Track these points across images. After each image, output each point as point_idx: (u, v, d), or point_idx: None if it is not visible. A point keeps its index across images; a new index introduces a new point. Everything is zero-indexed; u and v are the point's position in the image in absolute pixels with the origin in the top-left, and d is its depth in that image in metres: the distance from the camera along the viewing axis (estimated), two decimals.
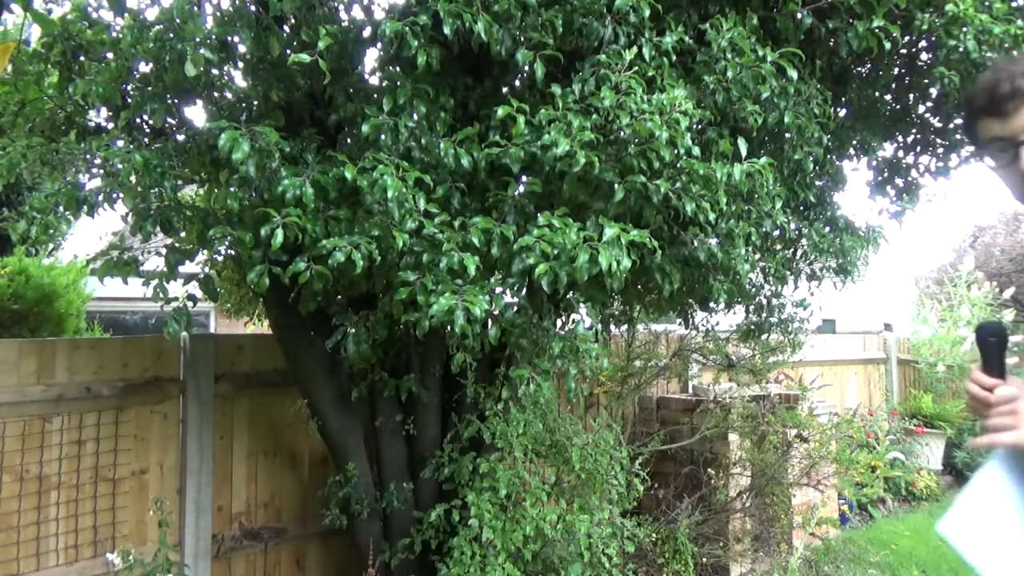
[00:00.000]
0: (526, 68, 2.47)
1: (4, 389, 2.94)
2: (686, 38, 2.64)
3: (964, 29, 2.97)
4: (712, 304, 3.50)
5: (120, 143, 2.64)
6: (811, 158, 3.08)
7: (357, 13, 2.87)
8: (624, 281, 2.17)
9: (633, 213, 2.45)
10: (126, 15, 2.68)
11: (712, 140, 2.67)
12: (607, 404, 4.75)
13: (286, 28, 2.68)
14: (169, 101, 2.66)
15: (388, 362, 3.39)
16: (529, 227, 2.23)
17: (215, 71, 2.68)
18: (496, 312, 2.24)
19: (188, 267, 2.62)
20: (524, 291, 2.58)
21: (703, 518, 4.36)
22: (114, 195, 2.46)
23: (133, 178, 2.36)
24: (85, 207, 2.43)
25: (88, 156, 2.64)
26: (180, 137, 2.85)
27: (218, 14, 2.61)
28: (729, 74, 2.58)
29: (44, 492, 3.05)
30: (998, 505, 1.03)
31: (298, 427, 3.67)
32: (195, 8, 2.40)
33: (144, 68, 2.65)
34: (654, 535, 4.14)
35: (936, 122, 4.06)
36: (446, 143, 2.40)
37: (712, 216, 2.41)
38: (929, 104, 3.97)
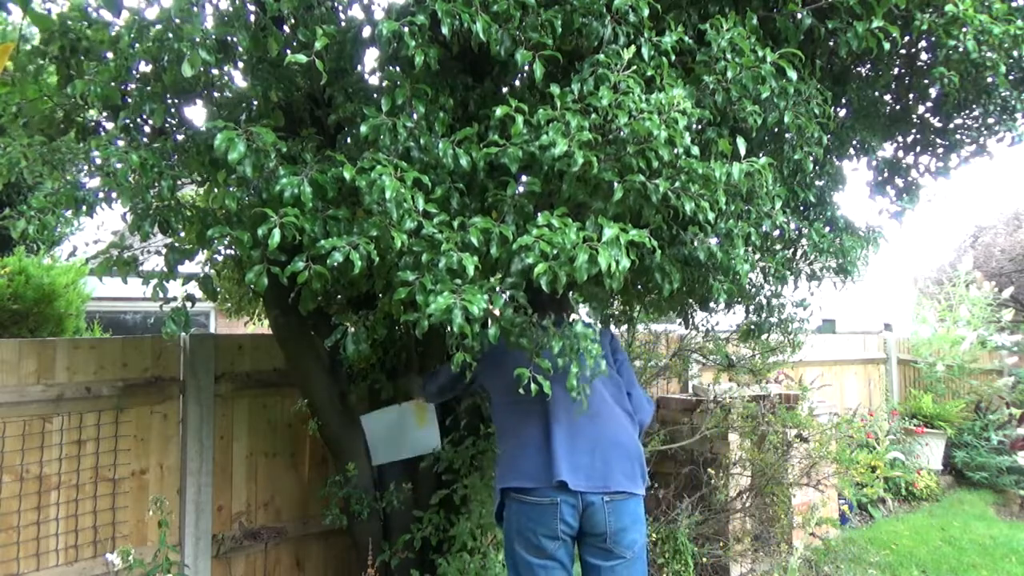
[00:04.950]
0: (525, 68, 2.47)
1: (4, 389, 2.94)
2: (686, 38, 2.63)
3: (964, 29, 2.96)
4: (712, 304, 3.49)
5: (120, 143, 2.64)
6: (811, 158, 3.07)
7: (357, 13, 2.86)
8: (623, 281, 2.16)
9: (632, 213, 2.44)
10: (126, 15, 2.67)
11: (711, 140, 2.67)
12: None
13: (286, 28, 2.68)
14: (168, 101, 2.66)
15: (388, 362, 3.39)
16: (528, 227, 2.23)
17: (214, 71, 2.68)
18: (496, 311, 2.24)
19: (188, 267, 2.62)
20: (523, 291, 2.58)
21: (703, 518, 4.36)
22: (112, 195, 2.46)
23: (131, 178, 2.35)
24: (84, 207, 2.43)
25: (88, 155, 2.63)
26: (179, 137, 2.85)
27: (217, 13, 2.61)
28: (729, 74, 2.57)
29: (44, 492, 3.05)
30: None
31: (298, 427, 3.67)
32: (194, 8, 2.40)
33: (143, 68, 2.65)
34: (654, 535, 4.14)
35: (936, 122, 4.05)
36: (445, 143, 2.40)
37: (711, 216, 2.41)
38: (929, 104, 3.96)
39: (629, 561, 2.48)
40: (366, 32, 2.67)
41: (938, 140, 4.07)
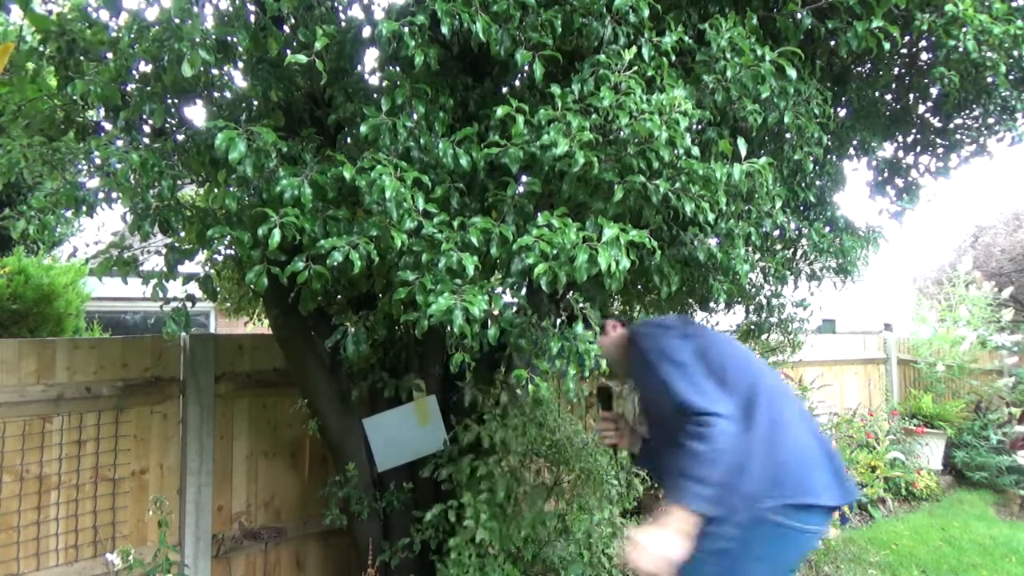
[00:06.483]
0: (525, 68, 2.47)
1: (4, 389, 2.94)
2: (686, 38, 2.63)
3: (964, 29, 2.97)
4: (712, 304, 3.50)
5: (120, 143, 2.64)
6: (811, 158, 3.08)
7: (357, 13, 2.86)
8: (623, 281, 2.17)
9: (633, 213, 2.44)
10: (125, 15, 2.68)
11: (712, 140, 2.67)
12: None
13: (285, 28, 2.68)
14: (169, 101, 2.66)
15: (388, 362, 3.39)
16: (528, 227, 2.23)
17: (214, 71, 2.68)
18: (496, 312, 2.24)
19: (188, 267, 2.62)
20: (523, 291, 2.58)
21: None
22: (112, 195, 2.46)
23: (131, 178, 2.35)
24: (84, 207, 2.43)
25: (88, 155, 2.64)
26: (179, 137, 2.85)
27: (217, 13, 2.61)
28: (728, 74, 2.57)
29: (44, 492, 3.05)
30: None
31: (298, 427, 3.67)
32: (194, 8, 2.40)
33: (143, 68, 2.65)
34: None
35: (936, 122, 4.05)
36: (445, 143, 2.40)
37: (711, 216, 2.41)
38: (929, 104, 3.97)
39: None
40: (366, 32, 2.67)
41: (938, 140, 4.07)
